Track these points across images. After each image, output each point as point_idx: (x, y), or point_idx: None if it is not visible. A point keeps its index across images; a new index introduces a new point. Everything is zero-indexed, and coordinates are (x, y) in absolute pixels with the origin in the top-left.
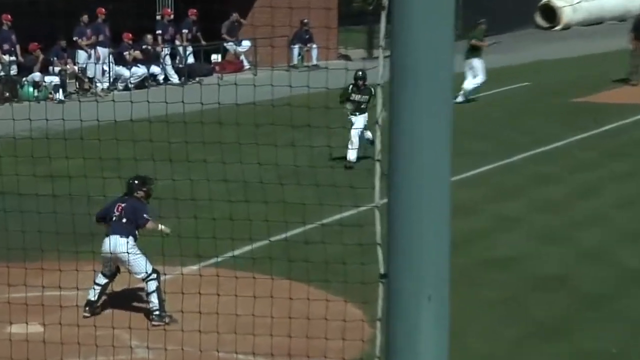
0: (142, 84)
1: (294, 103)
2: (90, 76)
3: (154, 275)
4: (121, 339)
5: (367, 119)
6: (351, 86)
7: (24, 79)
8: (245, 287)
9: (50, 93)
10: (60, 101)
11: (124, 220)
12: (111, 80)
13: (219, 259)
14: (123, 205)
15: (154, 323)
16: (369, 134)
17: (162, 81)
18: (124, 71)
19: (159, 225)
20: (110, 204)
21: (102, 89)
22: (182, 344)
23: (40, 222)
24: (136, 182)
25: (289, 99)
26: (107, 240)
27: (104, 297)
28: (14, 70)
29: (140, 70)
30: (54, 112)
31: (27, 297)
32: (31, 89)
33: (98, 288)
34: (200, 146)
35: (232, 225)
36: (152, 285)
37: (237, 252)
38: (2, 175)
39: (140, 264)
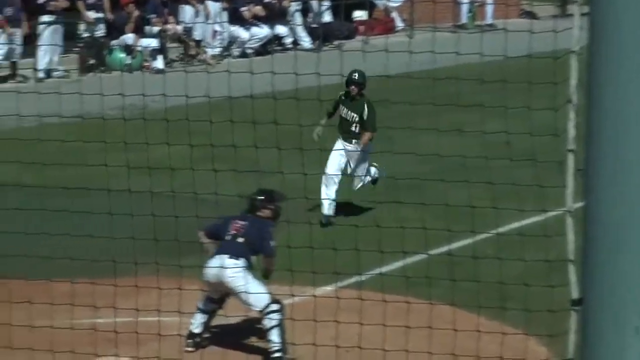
0: (264, 48)
1: (461, 75)
2: (198, 39)
3: (274, 308)
4: None
5: (362, 151)
6: (341, 95)
7: (112, 42)
8: (395, 314)
9: (146, 60)
10: (159, 71)
11: (240, 240)
12: (225, 44)
13: (362, 278)
14: (242, 223)
15: None
16: (372, 170)
17: (289, 45)
18: (241, 32)
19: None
20: (225, 220)
21: (213, 55)
22: None
23: (134, 227)
24: (260, 198)
25: (454, 69)
26: (213, 261)
27: (212, 327)
28: (100, 31)
29: (262, 31)
30: (151, 84)
31: (117, 324)
32: (122, 55)
33: (203, 317)
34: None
35: (379, 234)
36: (272, 321)
37: (385, 269)
38: (87, 166)
39: (253, 294)
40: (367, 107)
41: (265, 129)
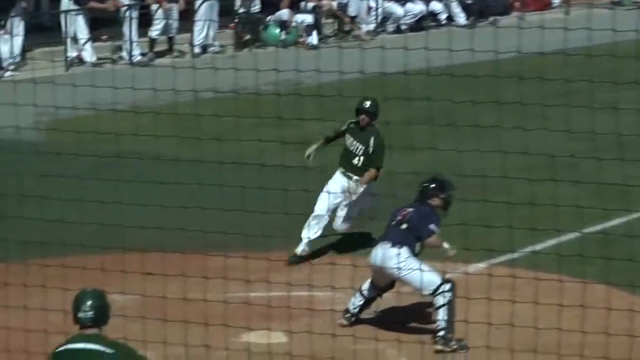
0: (419, 24)
1: (618, 52)
2: (352, 15)
3: (446, 287)
4: (387, 356)
5: (356, 190)
6: (350, 123)
7: (268, 17)
8: (548, 292)
9: (301, 36)
10: (313, 46)
11: (404, 226)
12: (379, 19)
13: (515, 256)
14: (409, 210)
15: (437, 347)
16: (339, 223)
17: (444, 21)
18: (395, 8)
19: (443, 243)
20: (397, 209)
21: (367, 31)
22: None
23: (289, 201)
24: (432, 186)
25: (611, 46)
26: (375, 248)
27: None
28: (256, 7)
29: (416, 7)
30: (306, 60)
31: (269, 298)
32: (277, 31)
33: (361, 300)
34: (493, 108)
35: (532, 212)
36: (442, 299)
37: (538, 247)
38: (241, 141)
39: (417, 279)
40: (375, 140)
41: (419, 107)
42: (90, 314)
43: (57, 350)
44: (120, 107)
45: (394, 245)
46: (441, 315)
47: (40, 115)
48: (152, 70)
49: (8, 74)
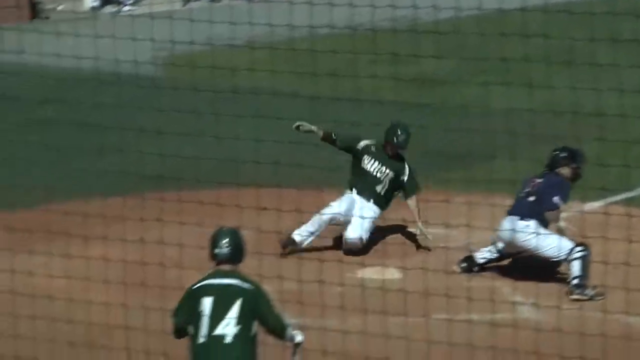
0: None
1: None
2: None
3: (578, 249)
4: (500, 293)
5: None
6: (371, 145)
7: None
8: None
9: None
10: None
11: (531, 198)
12: None
13: (631, 194)
14: (539, 181)
15: (573, 297)
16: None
17: None
18: None
19: (561, 221)
20: (527, 178)
21: None
22: (582, 305)
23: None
24: (563, 155)
25: None
26: (505, 221)
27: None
28: None
29: None
30: None
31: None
32: None
33: (483, 259)
34: (610, 45)
35: None
36: (576, 256)
37: None
38: (357, 78)
39: (549, 249)
40: (409, 169)
41: (536, 43)
42: (226, 250)
43: (196, 285)
44: (237, 43)
45: (522, 218)
46: (576, 267)
47: (158, 50)
48: (268, 6)
49: (126, 8)
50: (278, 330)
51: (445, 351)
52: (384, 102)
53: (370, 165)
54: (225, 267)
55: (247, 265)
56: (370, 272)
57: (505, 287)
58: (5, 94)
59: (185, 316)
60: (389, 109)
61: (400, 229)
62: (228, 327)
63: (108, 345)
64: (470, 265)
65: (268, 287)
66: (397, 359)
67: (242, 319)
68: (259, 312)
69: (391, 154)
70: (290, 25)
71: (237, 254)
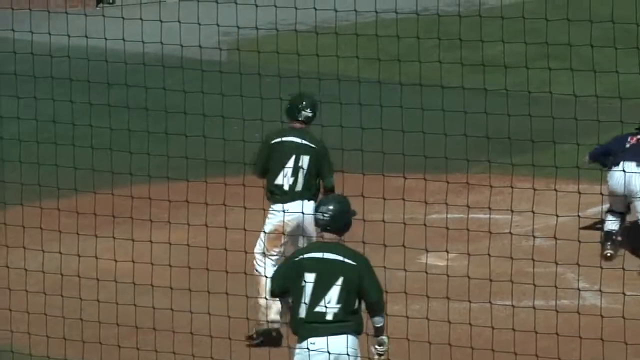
0: None
1: None
2: None
3: None
4: (565, 280)
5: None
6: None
7: None
8: None
9: None
10: None
11: None
12: None
13: None
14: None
15: None
16: None
17: None
18: None
19: None
20: (618, 138)
21: None
22: None
23: (467, 124)
24: None
25: None
26: (617, 167)
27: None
28: None
29: None
30: None
31: (448, 220)
32: None
33: (614, 227)
34: None
35: None
36: None
37: None
38: (422, 63)
39: None
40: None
41: (602, 28)
42: (327, 216)
43: (296, 258)
44: (302, 27)
45: (639, 164)
46: None
47: (223, 34)
48: None
49: None
50: (375, 307)
51: (509, 337)
52: (448, 87)
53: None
54: (328, 238)
55: None
56: (434, 258)
57: (569, 273)
58: (72, 78)
59: (285, 286)
60: (453, 94)
61: (464, 214)
62: (330, 304)
63: (172, 328)
64: (613, 241)
65: None
66: (460, 344)
67: (344, 296)
68: (361, 287)
69: (301, 129)
70: (356, 10)
71: (337, 222)
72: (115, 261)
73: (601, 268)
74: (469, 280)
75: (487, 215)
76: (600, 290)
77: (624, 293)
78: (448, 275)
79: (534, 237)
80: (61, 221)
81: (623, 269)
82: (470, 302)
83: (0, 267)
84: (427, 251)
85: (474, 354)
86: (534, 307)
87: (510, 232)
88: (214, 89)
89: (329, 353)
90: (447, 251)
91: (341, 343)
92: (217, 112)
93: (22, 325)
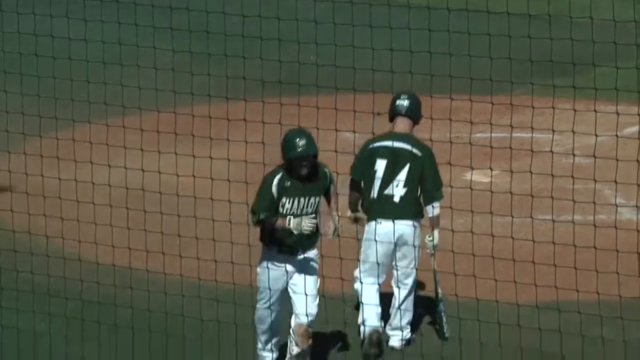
0: None
1: None
2: None
3: None
4: (603, 196)
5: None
6: (282, 174)
7: None
8: None
9: None
10: None
11: None
12: None
13: None
14: None
15: None
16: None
17: None
18: None
19: None
20: None
21: None
22: None
23: (512, 48)
24: None
25: None
26: None
27: None
28: None
29: None
30: None
31: (492, 139)
32: None
33: None
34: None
35: None
36: None
37: None
38: None
39: None
40: (329, 175)
41: None
42: (406, 103)
43: (371, 146)
44: None
45: None
46: None
47: None
48: None
49: None
50: (430, 194)
51: (549, 250)
52: (493, 13)
53: (294, 198)
54: (401, 128)
55: None
56: (478, 175)
57: (606, 189)
58: (136, 2)
59: (361, 172)
60: (498, 20)
61: (507, 133)
62: (397, 189)
63: (231, 240)
64: None
65: None
66: (502, 256)
67: (409, 182)
68: (422, 176)
69: (306, 167)
70: None
71: (414, 110)
72: (177, 176)
73: (637, 185)
74: (512, 196)
75: (529, 135)
76: (636, 206)
77: None
78: (492, 192)
79: (574, 155)
80: (126, 138)
81: None
82: (512, 217)
83: (69, 180)
84: (472, 168)
85: (515, 266)
86: (572, 222)
87: (551, 151)
88: (270, 13)
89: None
90: (490, 169)
91: (405, 225)
92: (274, 34)
93: (89, 236)
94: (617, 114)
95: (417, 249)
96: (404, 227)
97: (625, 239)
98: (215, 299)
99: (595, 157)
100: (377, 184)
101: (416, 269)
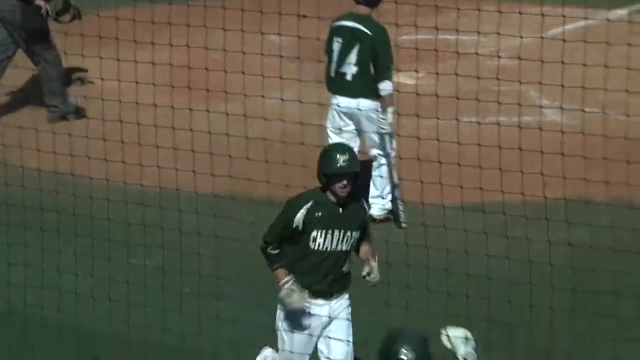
0: None
1: None
2: None
3: None
4: (528, 97)
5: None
6: (314, 203)
7: None
8: None
9: None
10: None
11: None
12: None
13: None
14: None
15: None
16: None
17: None
18: None
19: None
20: None
21: None
22: (604, 107)
23: None
24: None
25: None
26: None
27: None
28: None
29: None
30: None
31: (418, 41)
32: None
33: None
34: None
35: None
36: None
37: None
38: None
39: None
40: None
41: None
42: None
43: (331, 25)
44: None
45: None
46: None
47: None
48: None
49: None
50: (380, 73)
51: (474, 152)
52: None
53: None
54: (361, 10)
55: (288, 68)
56: (404, 77)
57: (532, 91)
58: None
59: (325, 50)
60: None
61: (433, 35)
62: (349, 67)
63: (156, 144)
64: None
65: (306, 91)
66: (428, 158)
67: (361, 61)
68: (374, 54)
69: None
70: None
71: None
72: (102, 79)
73: (562, 86)
74: (437, 99)
75: (455, 37)
76: (561, 107)
77: (583, 110)
78: (417, 94)
79: (499, 57)
80: None
81: (583, 87)
82: (438, 119)
83: None
84: (398, 71)
85: (441, 168)
86: (498, 124)
87: (476, 53)
88: None
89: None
90: (416, 71)
91: (357, 102)
92: None
93: (13, 140)
94: (542, 15)
95: (373, 123)
96: (356, 104)
97: (550, 140)
98: (141, 202)
99: (520, 59)
100: (334, 61)
101: (384, 145)
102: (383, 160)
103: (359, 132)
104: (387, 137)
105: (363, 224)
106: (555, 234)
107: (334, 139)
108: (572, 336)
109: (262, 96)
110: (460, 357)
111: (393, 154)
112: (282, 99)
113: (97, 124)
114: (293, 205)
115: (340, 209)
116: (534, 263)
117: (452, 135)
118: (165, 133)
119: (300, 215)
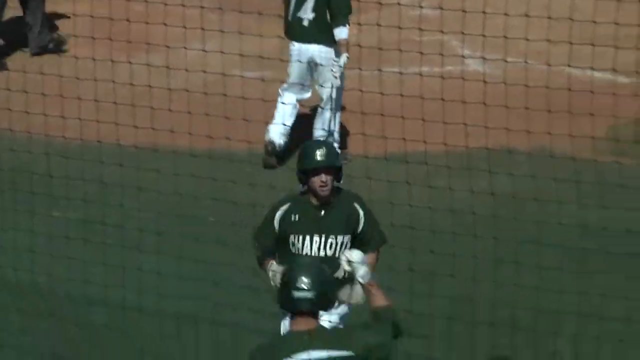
0: None
1: None
2: None
3: None
4: (450, 47)
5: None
6: (289, 207)
7: None
8: None
9: None
10: None
11: None
12: None
13: None
14: None
15: None
16: None
17: None
18: None
19: None
20: None
21: None
22: (526, 57)
23: None
24: None
25: None
26: None
27: None
28: None
29: None
30: None
31: None
32: None
33: None
34: None
35: None
36: None
37: None
38: None
39: None
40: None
41: None
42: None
43: None
44: None
45: None
46: None
47: None
48: None
49: None
50: (335, 18)
51: (397, 101)
52: None
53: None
54: None
55: (209, 19)
56: None
57: (454, 41)
58: None
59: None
60: None
61: None
62: (306, 13)
63: (78, 96)
64: None
65: (228, 42)
66: (351, 109)
67: (317, 7)
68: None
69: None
70: None
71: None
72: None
73: (484, 36)
74: (360, 49)
75: None
76: (482, 57)
77: (505, 60)
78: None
79: (421, 7)
80: None
81: (505, 37)
82: (360, 69)
83: None
84: None
85: (364, 119)
86: (420, 74)
87: (398, 3)
88: None
89: None
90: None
91: (313, 48)
92: None
93: None
94: None
95: (326, 70)
96: (313, 49)
97: (472, 90)
98: (64, 155)
99: (442, 9)
100: (291, 7)
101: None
102: (328, 106)
103: (312, 78)
104: (336, 83)
105: (353, 229)
106: (477, 184)
107: (285, 96)
108: (495, 285)
109: (185, 47)
110: (359, 279)
111: (339, 96)
112: (204, 50)
113: (19, 76)
114: (271, 208)
115: (322, 212)
116: (457, 212)
117: (375, 86)
118: (87, 85)
119: (277, 218)
